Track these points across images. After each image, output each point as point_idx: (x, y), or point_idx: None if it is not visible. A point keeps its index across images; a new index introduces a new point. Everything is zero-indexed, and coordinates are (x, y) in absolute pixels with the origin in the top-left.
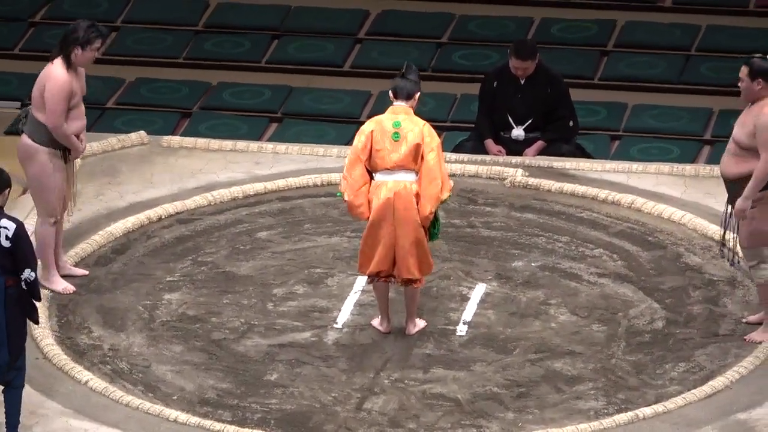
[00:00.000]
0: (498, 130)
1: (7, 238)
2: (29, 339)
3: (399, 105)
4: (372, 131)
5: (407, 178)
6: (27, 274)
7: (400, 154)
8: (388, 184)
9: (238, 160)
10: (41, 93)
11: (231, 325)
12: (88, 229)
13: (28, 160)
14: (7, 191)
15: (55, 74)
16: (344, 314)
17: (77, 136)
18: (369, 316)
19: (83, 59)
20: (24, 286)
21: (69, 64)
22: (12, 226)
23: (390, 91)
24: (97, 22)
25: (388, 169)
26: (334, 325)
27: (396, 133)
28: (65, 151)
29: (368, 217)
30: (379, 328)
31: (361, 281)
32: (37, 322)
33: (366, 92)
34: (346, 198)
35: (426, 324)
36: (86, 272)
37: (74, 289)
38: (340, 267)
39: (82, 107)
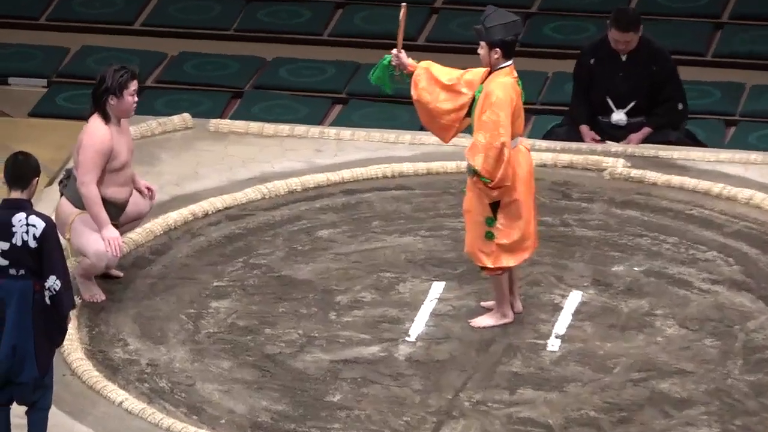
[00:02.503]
0: (595, 114)
1: (34, 237)
2: (56, 353)
3: (511, 61)
4: (514, 101)
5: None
6: (51, 282)
7: (523, 115)
8: (521, 149)
9: (297, 147)
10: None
11: (288, 338)
12: (124, 226)
13: (66, 227)
14: (35, 181)
15: (92, 128)
16: (418, 325)
17: (120, 207)
18: (446, 328)
19: (122, 108)
20: (47, 299)
21: (107, 118)
22: (41, 224)
23: (498, 49)
24: None
25: (518, 134)
26: (407, 338)
27: (522, 93)
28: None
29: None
30: (506, 320)
31: (438, 287)
32: (58, 346)
33: None
34: (507, 183)
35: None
36: (121, 274)
37: (103, 297)
38: (414, 271)
39: (130, 172)
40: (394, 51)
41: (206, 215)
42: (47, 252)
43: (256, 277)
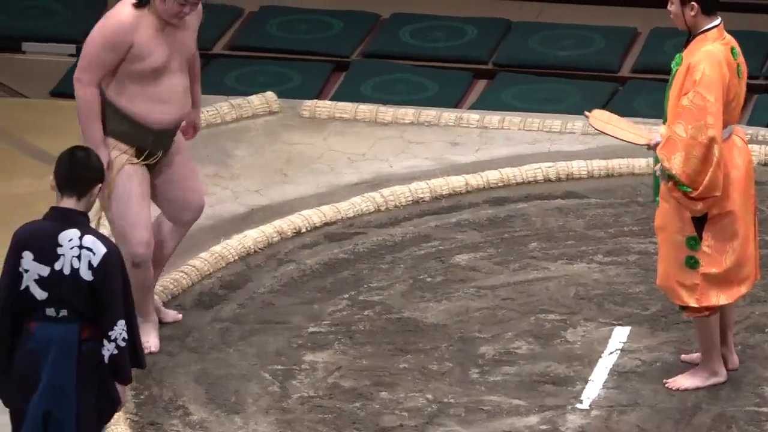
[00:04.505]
0: None
1: (90, 266)
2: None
3: (719, 20)
4: (727, 78)
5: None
6: (119, 330)
7: (742, 94)
8: (736, 142)
9: (425, 138)
10: None
11: (412, 405)
12: (184, 248)
13: (108, 183)
14: (96, 188)
15: (111, 12)
16: (594, 387)
17: (159, 134)
18: (633, 391)
19: (162, 6)
20: (107, 354)
21: (144, 3)
22: (101, 249)
23: (694, 4)
24: None
25: (732, 122)
26: (578, 405)
27: (739, 66)
28: (146, 151)
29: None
30: (717, 380)
31: (621, 334)
32: (107, 421)
33: (629, 30)
34: (717, 194)
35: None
36: (180, 317)
37: (157, 347)
38: (588, 312)
39: (178, 84)
40: (647, 146)
41: (298, 234)
42: (110, 290)
43: (367, 320)
